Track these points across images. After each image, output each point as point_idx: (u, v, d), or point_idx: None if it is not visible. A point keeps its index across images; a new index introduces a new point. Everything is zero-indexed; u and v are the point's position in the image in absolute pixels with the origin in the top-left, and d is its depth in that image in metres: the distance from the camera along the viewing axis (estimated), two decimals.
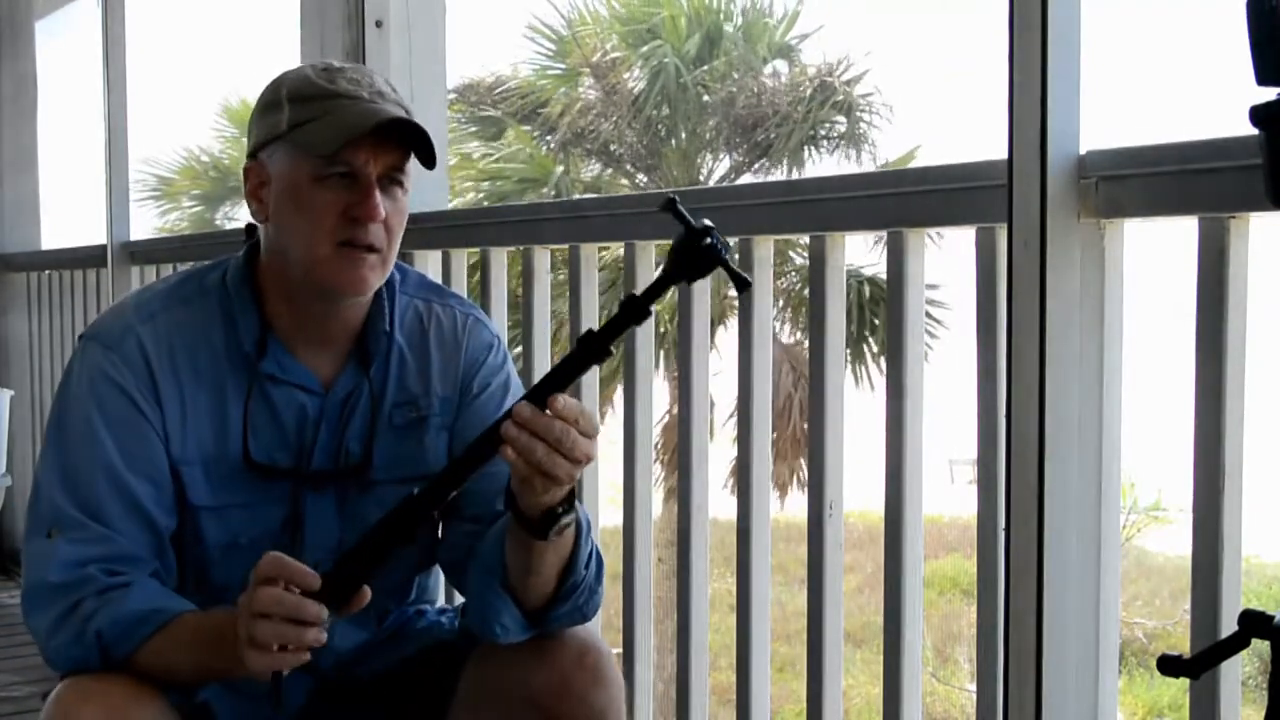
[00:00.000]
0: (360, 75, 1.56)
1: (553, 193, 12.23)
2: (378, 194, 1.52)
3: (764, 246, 2.08)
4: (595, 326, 1.36)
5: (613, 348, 1.35)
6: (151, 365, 1.57)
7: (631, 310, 1.34)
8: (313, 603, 1.35)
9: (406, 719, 1.72)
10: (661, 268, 1.36)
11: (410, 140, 1.54)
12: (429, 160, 1.56)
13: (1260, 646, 1.07)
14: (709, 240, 1.31)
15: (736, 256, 1.35)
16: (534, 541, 1.45)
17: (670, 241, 2.17)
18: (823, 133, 12.43)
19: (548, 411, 1.35)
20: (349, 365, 1.65)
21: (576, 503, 1.46)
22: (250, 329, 1.61)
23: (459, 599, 1.81)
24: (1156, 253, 2.13)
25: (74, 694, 1.44)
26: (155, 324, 1.60)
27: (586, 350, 1.35)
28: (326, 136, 1.51)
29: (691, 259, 1.32)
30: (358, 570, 1.38)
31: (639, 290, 1.35)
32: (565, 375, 1.36)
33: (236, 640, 1.37)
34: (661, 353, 9.04)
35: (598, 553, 1.58)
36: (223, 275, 1.65)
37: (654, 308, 1.35)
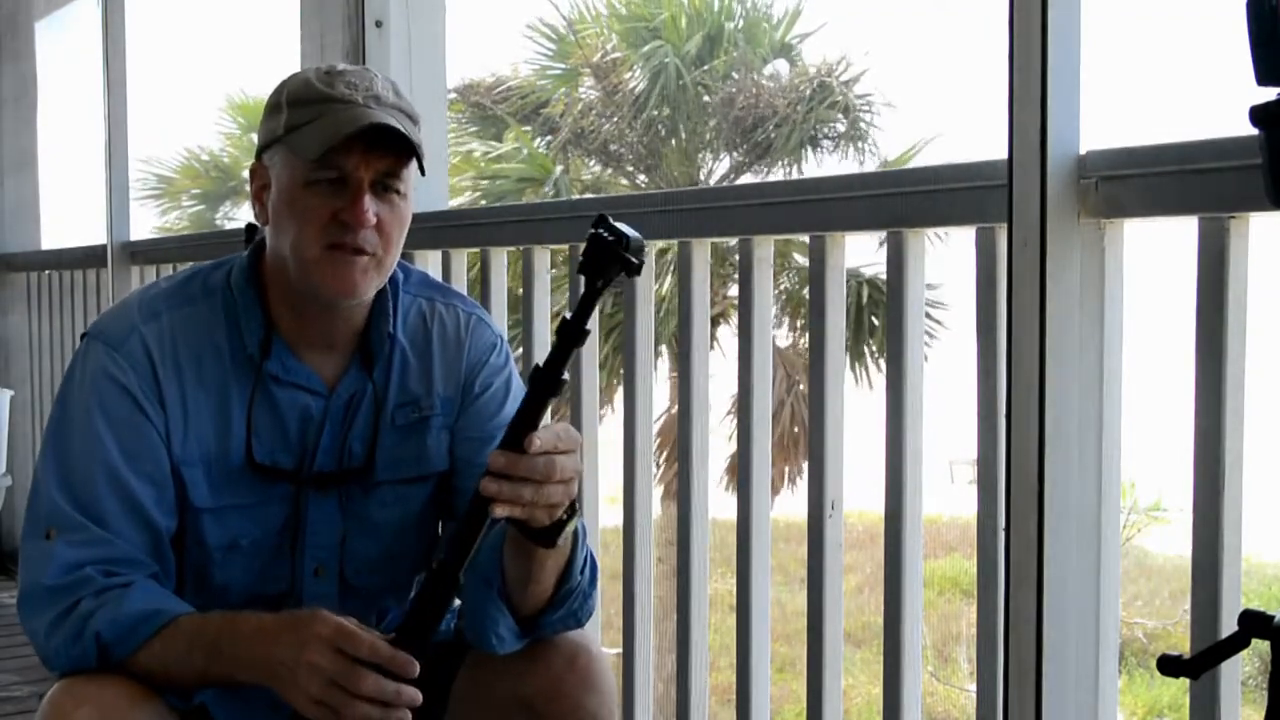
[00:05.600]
0: (360, 79, 1.55)
1: (552, 192, 12.23)
2: (367, 199, 1.52)
3: (764, 246, 2.08)
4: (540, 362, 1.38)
5: (565, 375, 1.37)
6: (155, 365, 1.57)
7: (569, 334, 1.36)
8: (409, 688, 1.38)
9: None
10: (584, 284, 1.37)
11: (403, 146, 1.54)
12: (420, 166, 1.56)
13: (1260, 646, 1.07)
14: (593, 231, 1.33)
15: (642, 244, 1.36)
16: (536, 550, 1.46)
17: (670, 241, 2.17)
18: (822, 132, 12.43)
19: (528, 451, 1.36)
20: (352, 366, 1.65)
21: (577, 505, 1.46)
22: (254, 330, 1.60)
23: (455, 601, 1.81)
24: (1156, 253, 2.13)
25: (68, 696, 1.43)
26: (159, 323, 1.59)
27: (540, 386, 1.37)
28: (314, 140, 1.50)
29: (592, 258, 1.34)
30: (413, 650, 1.40)
31: (569, 314, 1.36)
32: (530, 415, 1.37)
33: (268, 670, 1.40)
34: (662, 351, 9.03)
35: (592, 558, 1.58)
36: (227, 275, 1.64)
37: (590, 326, 1.37)
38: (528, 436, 1.35)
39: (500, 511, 1.37)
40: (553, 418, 1.53)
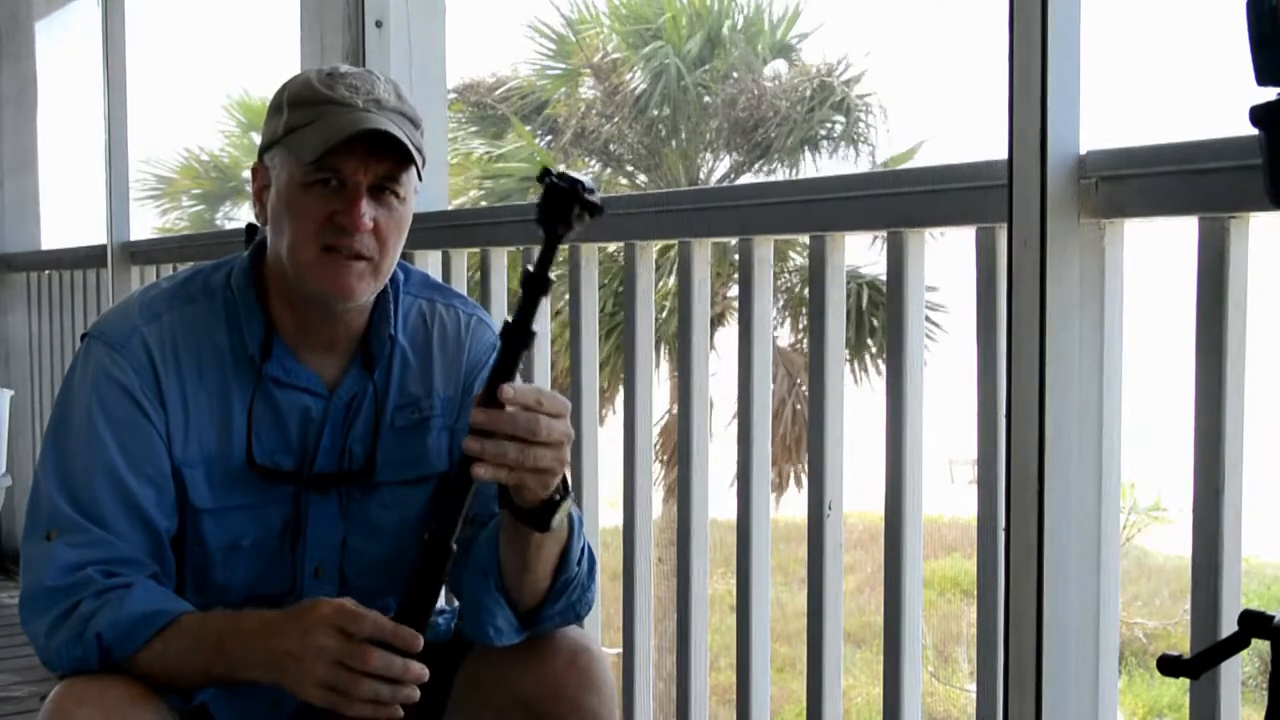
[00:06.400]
0: (361, 81, 1.55)
1: None
2: (364, 202, 1.51)
3: (764, 246, 2.08)
4: (509, 317, 1.36)
5: (534, 328, 1.35)
6: (156, 366, 1.57)
7: (534, 285, 1.34)
8: (417, 663, 1.37)
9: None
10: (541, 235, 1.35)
11: (402, 151, 1.53)
12: (418, 172, 1.56)
13: (1260, 646, 1.07)
14: (547, 180, 1.32)
15: (599, 194, 1.35)
16: (532, 535, 1.45)
17: (672, 241, 2.16)
18: (822, 133, 12.43)
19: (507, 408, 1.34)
20: (353, 368, 1.65)
21: (569, 486, 1.46)
22: (255, 331, 1.60)
23: (456, 601, 1.81)
24: (1156, 253, 2.13)
25: (70, 697, 1.43)
26: (160, 324, 1.59)
27: (511, 339, 1.35)
28: (311, 142, 1.50)
29: (548, 207, 1.32)
30: (416, 627, 1.40)
31: (532, 265, 1.35)
32: (503, 370, 1.35)
33: (274, 663, 1.40)
34: (662, 350, 9.03)
35: (590, 550, 1.58)
36: (228, 275, 1.64)
37: (553, 274, 1.35)
38: (501, 388, 1.34)
39: (483, 472, 1.34)
40: None
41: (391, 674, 1.36)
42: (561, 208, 1.32)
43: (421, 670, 1.38)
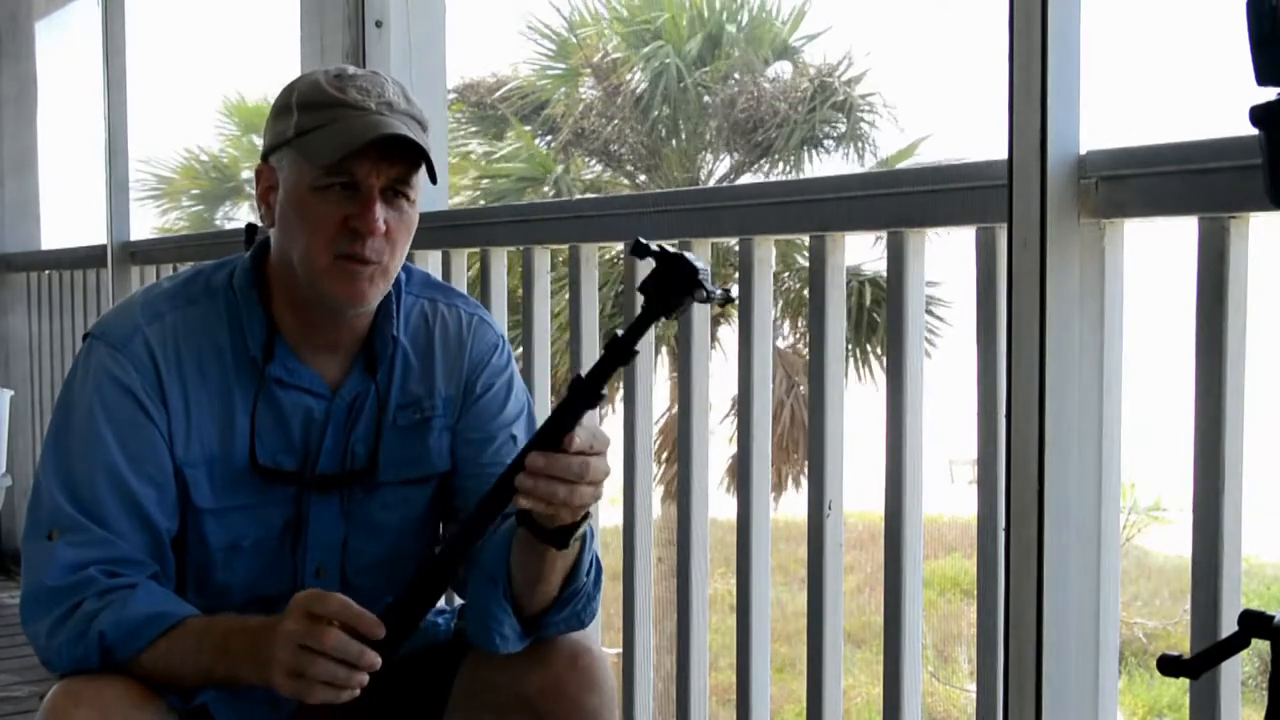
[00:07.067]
0: (371, 84, 1.55)
1: (553, 192, 12.23)
2: (378, 207, 1.51)
3: (764, 246, 2.08)
4: (582, 372, 1.38)
5: (604, 390, 1.37)
6: (158, 366, 1.57)
7: (617, 351, 1.35)
8: (372, 651, 1.36)
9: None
10: (642, 305, 1.36)
11: (416, 153, 1.53)
12: (430, 174, 1.56)
13: (1260, 646, 1.07)
14: (665, 251, 1.32)
15: (708, 270, 1.34)
16: (547, 550, 1.46)
17: (671, 242, 2.16)
18: (823, 133, 12.43)
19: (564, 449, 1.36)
20: (355, 369, 1.64)
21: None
22: (257, 332, 1.60)
23: (456, 600, 1.81)
24: (1156, 253, 2.13)
25: (68, 697, 1.43)
26: (163, 324, 1.59)
27: (579, 395, 1.36)
28: (328, 147, 1.50)
29: (666, 293, 1.33)
30: (394, 637, 1.39)
31: (621, 331, 1.35)
32: (565, 420, 1.37)
33: (264, 660, 1.39)
34: (662, 351, 9.03)
35: (597, 560, 1.59)
36: (229, 276, 1.64)
37: (638, 347, 1.36)
38: (567, 436, 1.36)
39: (525, 503, 1.37)
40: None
41: (347, 657, 1.35)
42: (671, 287, 1.32)
43: (374, 658, 1.36)
